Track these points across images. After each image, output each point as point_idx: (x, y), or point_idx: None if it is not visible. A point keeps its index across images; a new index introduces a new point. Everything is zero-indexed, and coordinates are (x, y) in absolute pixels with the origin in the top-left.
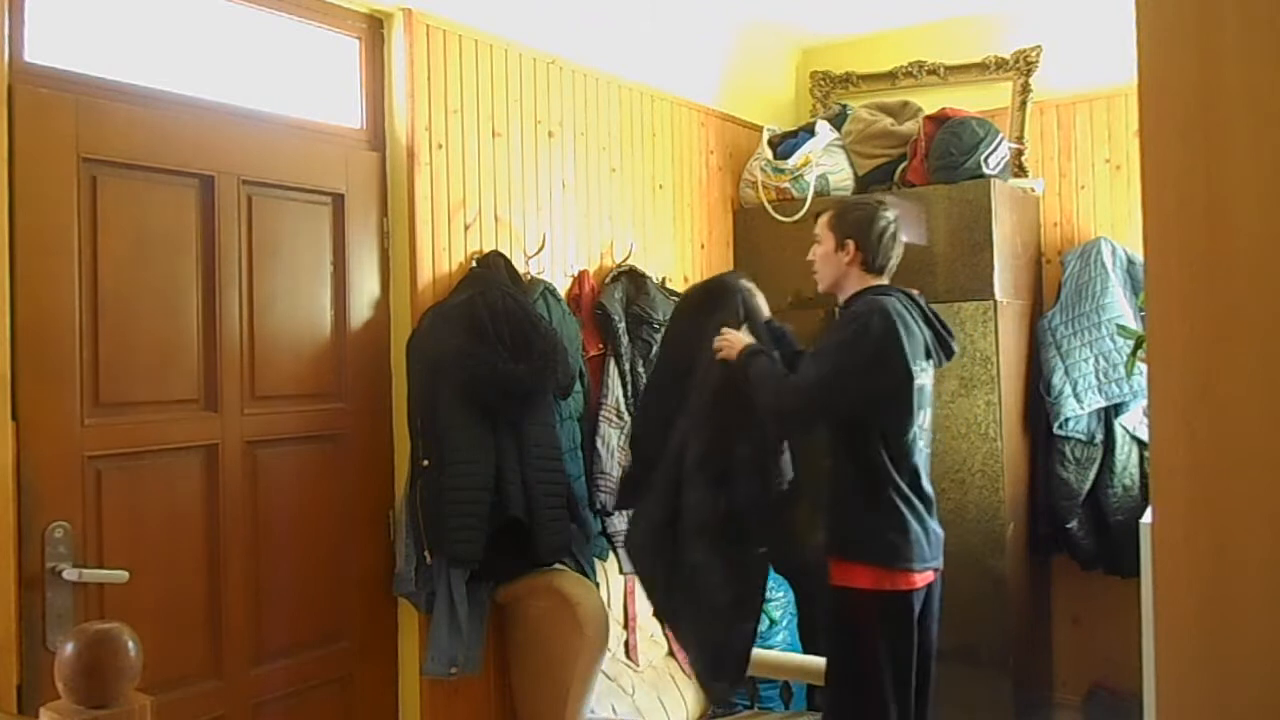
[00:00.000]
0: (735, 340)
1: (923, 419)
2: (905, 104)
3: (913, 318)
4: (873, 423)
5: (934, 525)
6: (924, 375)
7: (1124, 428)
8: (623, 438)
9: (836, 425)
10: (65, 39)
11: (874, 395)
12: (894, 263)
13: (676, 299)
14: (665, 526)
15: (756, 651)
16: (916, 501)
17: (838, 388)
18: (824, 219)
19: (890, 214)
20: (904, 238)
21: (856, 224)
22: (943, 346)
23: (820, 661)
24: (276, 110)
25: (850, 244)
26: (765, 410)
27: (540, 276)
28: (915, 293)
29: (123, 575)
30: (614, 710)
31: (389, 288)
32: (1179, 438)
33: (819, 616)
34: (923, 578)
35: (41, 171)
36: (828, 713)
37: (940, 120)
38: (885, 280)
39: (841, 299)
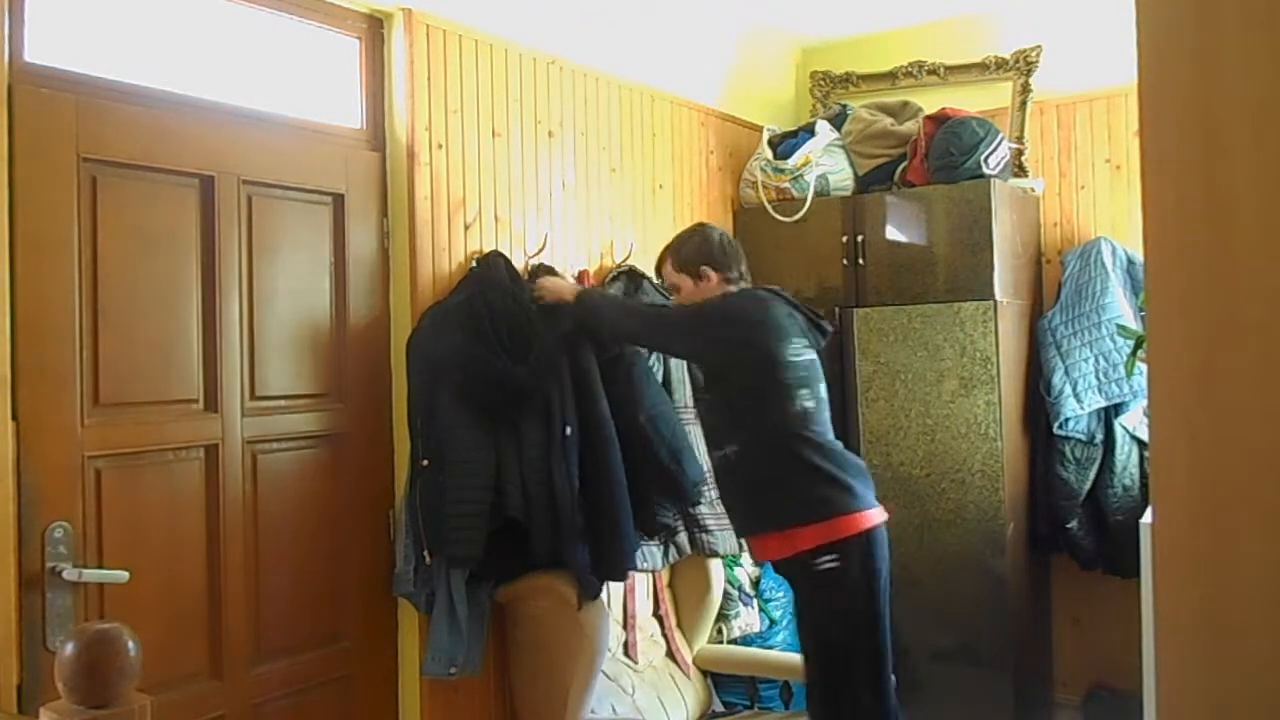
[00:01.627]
0: (559, 284)
1: (819, 390)
2: (905, 104)
3: (781, 305)
4: (768, 391)
5: (860, 467)
6: (806, 352)
7: (1124, 428)
8: None
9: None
10: (65, 39)
11: (728, 351)
12: (745, 266)
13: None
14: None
15: (757, 651)
16: (836, 459)
17: (693, 327)
18: (667, 267)
19: (714, 228)
20: (737, 241)
21: (698, 251)
22: (816, 328)
23: None
24: (276, 110)
25: (705, 270)
26: (610, 326)
27: None
28: (776, 288)
29: (123, 575)
30: (614, 710)
31: (389, 288)
32: (1179, 438)
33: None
34: (867, 517)
35: (41, 171)
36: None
37: (940, 120)
38: (746, 285)
39: None
